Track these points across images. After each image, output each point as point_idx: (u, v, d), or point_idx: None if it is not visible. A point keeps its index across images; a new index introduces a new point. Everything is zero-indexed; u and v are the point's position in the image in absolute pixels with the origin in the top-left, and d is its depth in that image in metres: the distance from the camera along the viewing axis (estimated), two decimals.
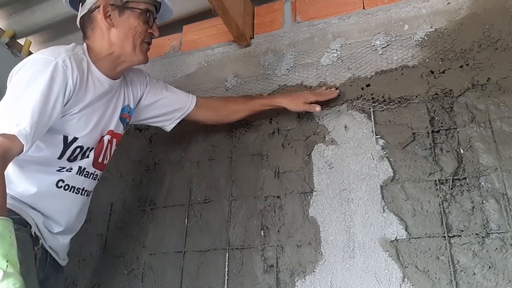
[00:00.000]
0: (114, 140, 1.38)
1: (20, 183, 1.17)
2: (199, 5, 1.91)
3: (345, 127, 1.52)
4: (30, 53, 2.06)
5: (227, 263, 1.49)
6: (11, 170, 1.15)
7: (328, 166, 1.48)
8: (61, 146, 1.21)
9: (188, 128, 1.78)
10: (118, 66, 1.31)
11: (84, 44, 1.30)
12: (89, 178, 1.31)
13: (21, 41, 2.08)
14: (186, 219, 1.63)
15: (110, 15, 1.26)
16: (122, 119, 1.39)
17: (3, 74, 1.89)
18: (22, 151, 1.04)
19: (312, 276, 1.36)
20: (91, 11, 1.28)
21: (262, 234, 1.49)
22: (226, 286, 1.46)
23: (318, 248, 1.38)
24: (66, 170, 1.24)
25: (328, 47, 1.68)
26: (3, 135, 1.00)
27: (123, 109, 1.40)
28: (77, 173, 1.26)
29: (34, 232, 1.15)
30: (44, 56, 1.15)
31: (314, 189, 1.47)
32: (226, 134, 1.71)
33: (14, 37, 2.05)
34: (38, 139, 1.12)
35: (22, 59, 2.01)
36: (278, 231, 1.47)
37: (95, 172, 1.33)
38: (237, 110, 1.59)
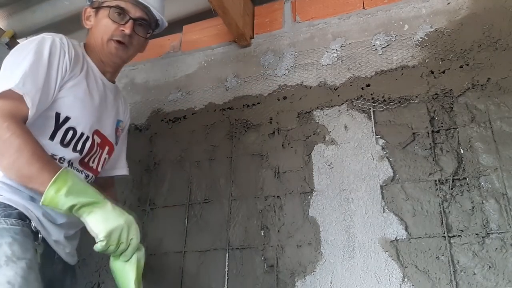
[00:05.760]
0: (106, 148, 1.35)
1: None
2: (199, 5, 1.92)
3: (345, 127, 1.52)
4: None
5: (227, 263, 1.49)
6: None
7: (328, 166, 1.48)
8: (53, 124, 1.18)
9: (188, 128, 1.79)
10: (102, 62, 1.35)
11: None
12: (82, 175, 1.28)
13: (21, 41, 2.08)
14: (186, 219, 1.63)
15: (89, 17, 1.35)
16: (116, 131, 1.41)
17: None
18: (28, 115, 1.07)
19: (312, 276, 1.36)
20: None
21: (262, 234, 1.49)
22: (226, 286, 1.46)
23: (318, 248, 1.38)
24: (58, 161, 1.19)
25: (328, 47, 1.69)
26: (9, 91, 1.05)
27: (117, 122, 1.43)
28: (68, 167, 1.21)
29: (34, 226, 1.10)
30: (39, 36, 1.20)
31: (314, 189, 1.47)
32: (226, 134, 1.71)
33: (14, 37, 2.04)
34: (40, 111, 1.13)
35: None
36: (278, 231, 1.47)
37: (82, 171, 1.28)
38: None
